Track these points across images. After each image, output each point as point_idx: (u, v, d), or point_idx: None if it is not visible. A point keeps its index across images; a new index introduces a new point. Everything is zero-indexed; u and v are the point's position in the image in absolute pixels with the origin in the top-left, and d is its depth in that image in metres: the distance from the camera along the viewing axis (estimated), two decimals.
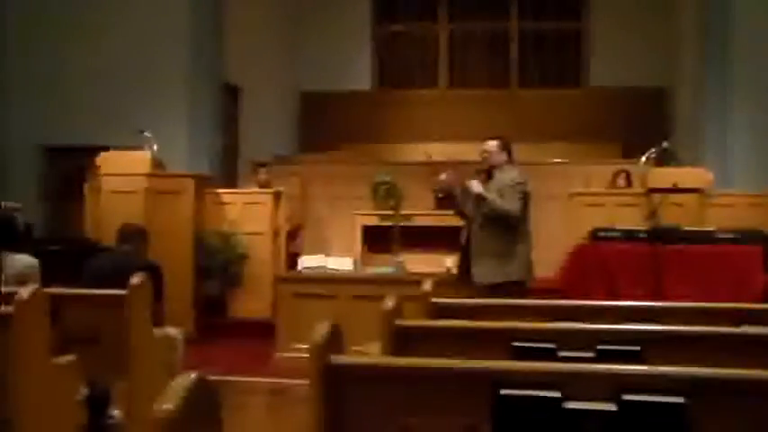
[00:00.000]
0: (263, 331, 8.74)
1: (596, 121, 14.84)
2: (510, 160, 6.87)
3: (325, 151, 14.73)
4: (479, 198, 6.60)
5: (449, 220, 8.30)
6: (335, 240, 11.72)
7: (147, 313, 5.13)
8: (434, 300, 4.20)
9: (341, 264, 8.54)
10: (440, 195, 7.12)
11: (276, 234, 10.21)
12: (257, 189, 10.68)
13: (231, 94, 13.04)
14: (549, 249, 10.31)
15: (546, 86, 15.81)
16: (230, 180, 12.70)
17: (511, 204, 6.60)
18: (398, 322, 3.51)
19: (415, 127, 13.32)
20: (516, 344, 3.30)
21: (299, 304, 8.10)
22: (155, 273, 5.86)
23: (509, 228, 6.63)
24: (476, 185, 6.63)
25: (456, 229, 7.35)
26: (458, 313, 4.09)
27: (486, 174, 6.85)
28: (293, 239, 11.10)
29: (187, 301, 9.37)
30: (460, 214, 6.96)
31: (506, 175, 6.74)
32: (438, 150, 12.80)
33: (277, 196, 10.27)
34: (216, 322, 9.77)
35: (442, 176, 6.97)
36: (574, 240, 8.43)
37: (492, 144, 6.88)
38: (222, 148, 12.14)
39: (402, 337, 3.48)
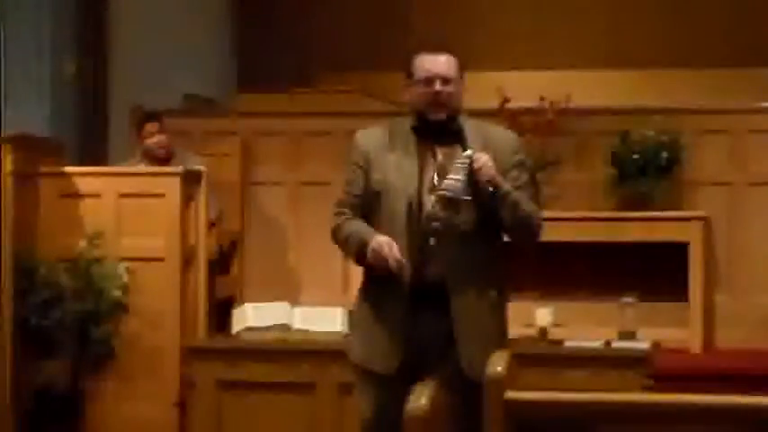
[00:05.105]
0: None
1: None
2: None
3: (289, 88, 10.08)
4: (500, 196, 3.92)
5: (555, 230, 6.39)
6: (309, 271, 8.05)
7: None
8: (510, 395, 3.03)
9: (320, 320, 6.29)
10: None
11: (188, 260, 7.00)
12: (147, 167, 7.47)
13: None
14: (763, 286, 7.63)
15: None
16: (91, 149, 9.01)
17: (535, 206, 4.30)
18: None
19: (475, 43, 8.71)
20: None
21: (234, 403, 6.07)
22: None
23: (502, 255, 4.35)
24: (494, 171, 3.84)
25: (570, 249, 6.75)
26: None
27: (433, 129, 3.94)
28: (225, 270, 8.02)
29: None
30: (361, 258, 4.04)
31: (494, 135, 4.07)
32: (518, 84, 8.45)
33: (190, 181, 7.02)
34: None
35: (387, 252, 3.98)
36: None
37: (452, 62, 3.97)
38: (75, 82, 8.69)
39: None
